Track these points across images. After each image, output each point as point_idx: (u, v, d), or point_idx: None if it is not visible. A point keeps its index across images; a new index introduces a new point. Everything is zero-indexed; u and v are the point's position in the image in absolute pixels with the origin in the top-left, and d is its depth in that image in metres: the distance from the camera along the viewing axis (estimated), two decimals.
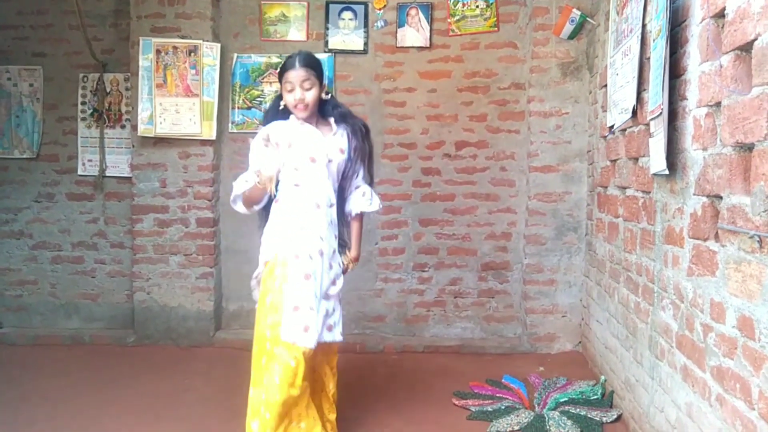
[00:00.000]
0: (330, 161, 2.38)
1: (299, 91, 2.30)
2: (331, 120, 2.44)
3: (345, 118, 2.47)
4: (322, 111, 2.44)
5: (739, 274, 1.60)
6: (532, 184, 3.79)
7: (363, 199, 2.53)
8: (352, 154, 2.45)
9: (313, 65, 2.34)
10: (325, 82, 2.45)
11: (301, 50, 2.43)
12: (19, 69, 4.13)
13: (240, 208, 2.45)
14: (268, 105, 2.54)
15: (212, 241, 3.94)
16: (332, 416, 2.51)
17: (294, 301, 2.21)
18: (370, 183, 2.57)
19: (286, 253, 2.26)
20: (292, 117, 2.39)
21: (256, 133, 4.09)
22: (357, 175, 2.52)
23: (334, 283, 2.40)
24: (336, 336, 2.39)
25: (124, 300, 4.14)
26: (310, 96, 2.31)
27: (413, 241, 4.00)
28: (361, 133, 2.46)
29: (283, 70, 2.34)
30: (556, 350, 3.80)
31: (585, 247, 3.74)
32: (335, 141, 2.42)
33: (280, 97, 2.41)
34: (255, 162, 2.35)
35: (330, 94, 2.47)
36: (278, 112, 2.42)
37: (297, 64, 2.30)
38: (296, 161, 2.34)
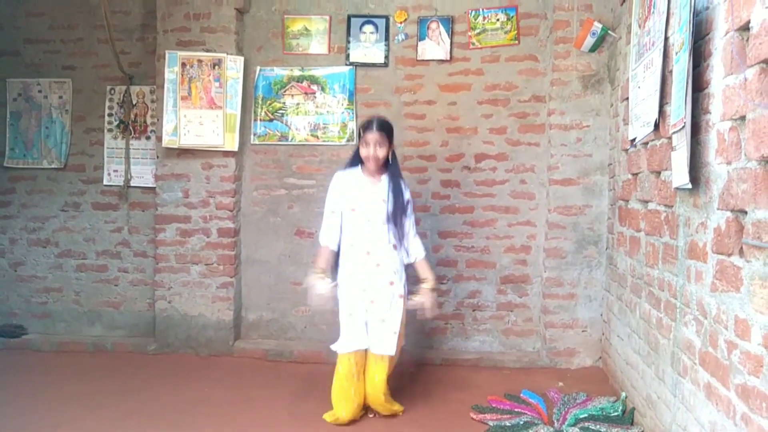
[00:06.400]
0: (379, 210, 2.99)
1: (372, 148, 2.94)
2: (386, 174, 3.04)
3: (393, 172, 3.05)
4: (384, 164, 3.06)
5: (765, 291, 1.57)
6: (552, 197, 3.77)
7: (414, 246, 3.09)
8: (394, 199, 2.99)
9: (386, 129, 2.99)
10: (393, 143, 3.07)
11: (379, 116, 3.07)
12: (49, 82, 4.25)
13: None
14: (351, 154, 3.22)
15: (233, 251, 3.98)
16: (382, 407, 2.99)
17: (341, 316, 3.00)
18: (402, 232, 3.02)
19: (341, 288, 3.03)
20: (359, 168, 3.03)
21: (277, 144, 4.21)
22: (403, 222, 3.01)
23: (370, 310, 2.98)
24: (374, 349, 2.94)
25: (145, 308, 4.20)
26: (381, 153, 2.96)
27: (432, 253, 3.99)
28: (394, 185, 2.99)
29: (364, 129, 2.99)
30: (575, 365, 3.75)
31: (606, 261, 3.69)
32: (380, 189, 2.99)
33: (358, 149, 3.05)
34: (331, 198, 3.02)
35: (393, 153, 3.07)
36: (354, 158, 3.09)
37: (374, 127, 2.96)
38: (355, 223, 2.96)
